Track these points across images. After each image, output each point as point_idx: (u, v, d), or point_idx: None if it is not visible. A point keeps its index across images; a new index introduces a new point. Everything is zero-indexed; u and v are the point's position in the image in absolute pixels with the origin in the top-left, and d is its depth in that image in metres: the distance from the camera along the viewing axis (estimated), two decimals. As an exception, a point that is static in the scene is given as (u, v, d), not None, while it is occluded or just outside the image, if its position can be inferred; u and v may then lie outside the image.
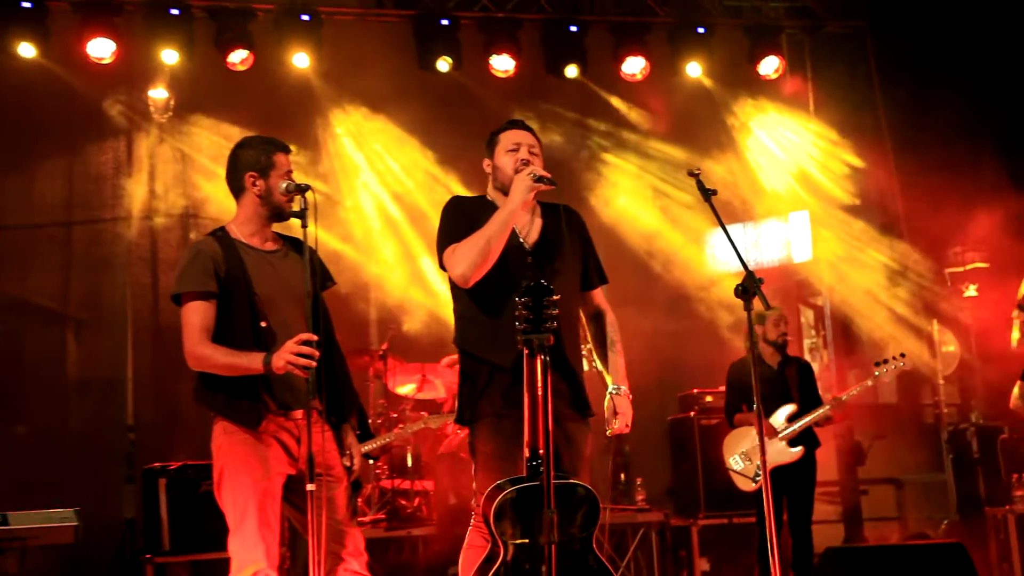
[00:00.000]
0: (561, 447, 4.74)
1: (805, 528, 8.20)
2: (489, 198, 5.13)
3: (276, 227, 5.01)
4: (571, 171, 10.90)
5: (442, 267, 5.00)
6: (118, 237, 10.39)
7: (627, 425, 4.99)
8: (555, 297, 4.45)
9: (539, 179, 4.83)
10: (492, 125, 10.37)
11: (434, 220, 9.91)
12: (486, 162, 5.17)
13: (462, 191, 9.37)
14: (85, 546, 7.68)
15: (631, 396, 5.03)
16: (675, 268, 11.15)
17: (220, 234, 4.94)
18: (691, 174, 5.50)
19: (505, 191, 4.97)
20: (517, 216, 4.87)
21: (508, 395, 4.81)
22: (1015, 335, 8.60)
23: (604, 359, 5.13)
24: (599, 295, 5.20)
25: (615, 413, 4.98)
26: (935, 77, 13.21)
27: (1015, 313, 8.61)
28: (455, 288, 5.01)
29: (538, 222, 5.08)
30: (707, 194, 5.41)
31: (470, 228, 4.89)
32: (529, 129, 5.21)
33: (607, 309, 5.20)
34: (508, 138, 5.11)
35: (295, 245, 4.89)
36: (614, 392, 5.02)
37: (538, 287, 4.45)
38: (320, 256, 4.98)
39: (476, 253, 4.79)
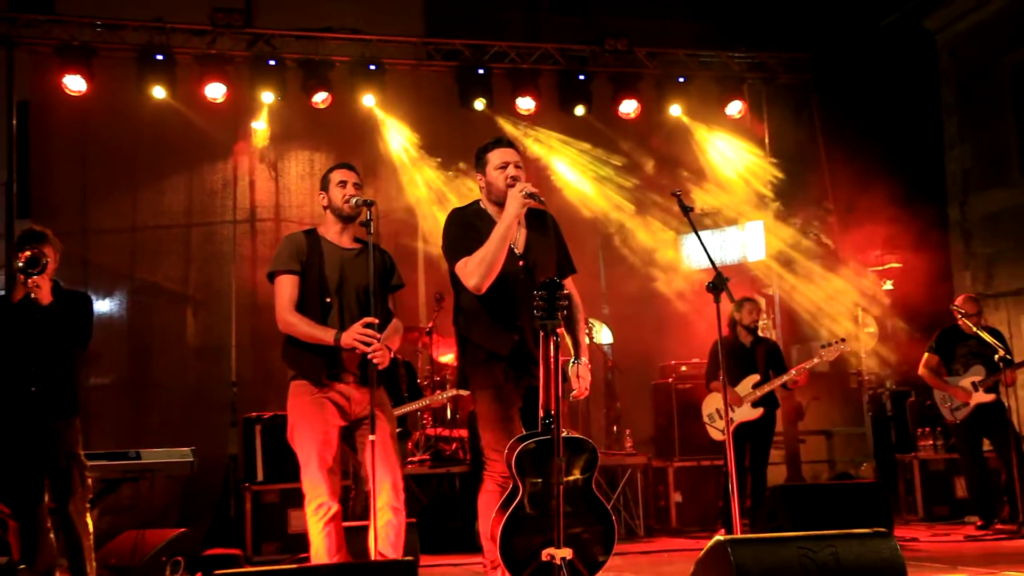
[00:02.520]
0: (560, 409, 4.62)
1: (762, 470, 8.19)
2: (483, 206, 4.89)
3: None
4: (576, 189, 10.86)
5: (452, 272, 4.77)
6: (226, 237, 10.40)
7: (586, 389, 4.82)
8: (565, 291, 4.40)
9: (530, 195, 4.62)
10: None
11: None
12: (479, 177, 4.91)
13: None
14: (199, 476, 7.64)
15: (590, 366, 4.86)
16: (657, 266, 11.09)
17: (309, 231, 4.99)
18: (673, 194, 5.47)
19: (499, 203, 4.76)
20: (513, 229, 4.65)
21: (506, 372, 4.71)
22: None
23: (572, 333, 4.94)
24: (569, 283, 4.95)
25: (577, 378, 4.80)
26: (864, 119, 13.16)
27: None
28: (457, 283, 4.80)
29: (523, 230, 4.87)
30: (686, 210, 5.39)
31: (473, 235, 4.70)
32: (513, 146, 4.95)
33: (574, 293, 4.99)
34: (497, 156, 4.82)
35: (376, 248, 4.80)
36: (577, 363, 4.83)
37: (551, 283, 4.39)
38: (392, 259, 5.04)
39: (485, 267, 4.60)
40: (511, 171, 4.76)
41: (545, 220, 4.91)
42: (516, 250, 4.79)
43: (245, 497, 8.26)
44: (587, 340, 5.08)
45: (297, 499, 8.02)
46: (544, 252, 4.88)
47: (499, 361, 4.73)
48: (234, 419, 9.61)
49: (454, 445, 8.98)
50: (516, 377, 4.70)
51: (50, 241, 5.29)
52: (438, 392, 8.66)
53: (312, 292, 4.80)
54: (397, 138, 10.56)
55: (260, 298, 10.28)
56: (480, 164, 4.89)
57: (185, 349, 10.32)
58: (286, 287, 4.81)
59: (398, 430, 5.50)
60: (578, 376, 4.81)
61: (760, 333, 8.57)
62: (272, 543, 8.12)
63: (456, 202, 10.42)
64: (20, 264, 5.14)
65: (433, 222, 10.49)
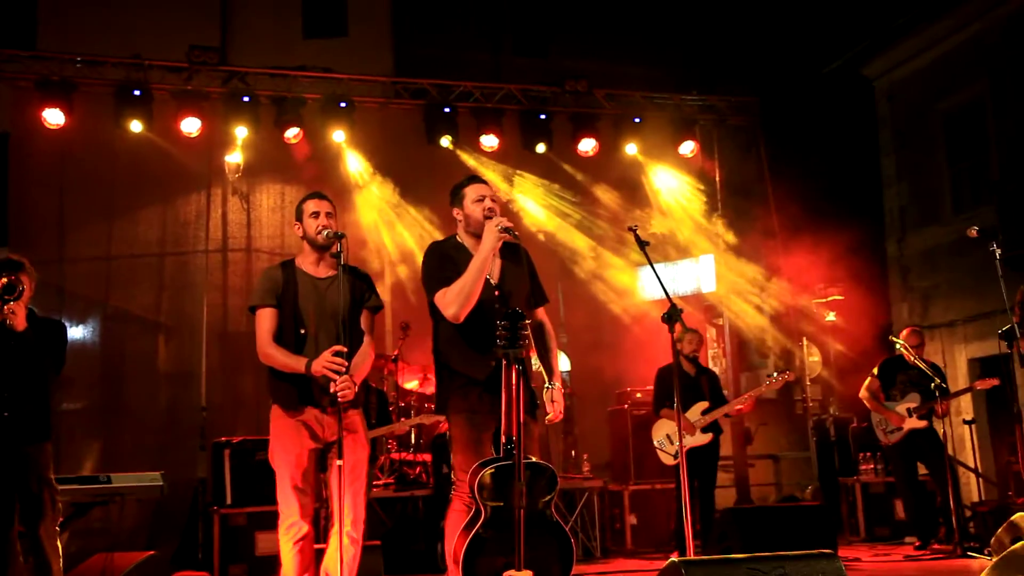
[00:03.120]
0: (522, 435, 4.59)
1: (710, 493, 8.18)
2: (459, 239, 4.91)
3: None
4: (536, 221, 10.88)
5: (431, 303, 4.77)
6: (198, 266, 10.31)
7: (560, 413, 4.82)
8: (527, 321, 4.40)
9: (505, 229, 4.64)
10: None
11: (417, 253, 9.95)
12: (455, 211, 4.91)
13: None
14: (168, 499, 7.55)
15: (563, 390, 4.90)
16: (614, 297, 11.12)
17: (287, 263, 4.97)
18: (630, 229, 5.46)
19: (476, 235, 4.78)
20: (489, 261, 4.67)
21: (480, 398, 4.70)
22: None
23: (544, 360, 4.96)
24: (541, 312, 5.02)
25: (551, 403, 4.81)
26: (808, 158, 13.32)
27: None
28: (436, 313, 4.79)
29: (499, 261, 4.88)
30: (642, 244, 5.39)
31: (451, 267, 4.71)
32: (486, 183, 4.98)
33: (546, 321, 5.04)
34: (473, 191, 4.85)
35: (353, 273, 4.82)
36: (551, 387, 4.84)
37: (514, 314, 4.40)
38: (370, 280, 5.02)
39: (463, 297, 4.61)
40: (487, 203, 4.79)
41: (518, 252, 4.92)
42: (492, 280, 4.79)
43: (213, 520, 8.12)
44: (557, 365, 5.00)
45: (264, 522, 7.95)
46: (518, 282, 4.89)
47: (475, 386, 4.71)
48: (203, 443, 9.49)
49: (418, 469, 8.91)
50: (492, 402, 4.65)
51: (26, 269, 5.20)
52: (403, 419, 8.61)
53: (288, 325, 4.78)
54: (365, 173, 10.52)
55: (230, 326, 10.22)
56: (456, 199, 4.89)
57: (156, 375, 10.20)
58: (264, 320, 4.79)
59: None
60: (552, 400, 4.81)
61: (710, 362, 8.60)
62: (239, 565, 7.97)
63: (422, 234, 10.45)
64: (-5, 291, 5.05)
65: (399, 254, 10.46)
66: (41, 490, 5.24)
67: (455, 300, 4.63)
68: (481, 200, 4.80)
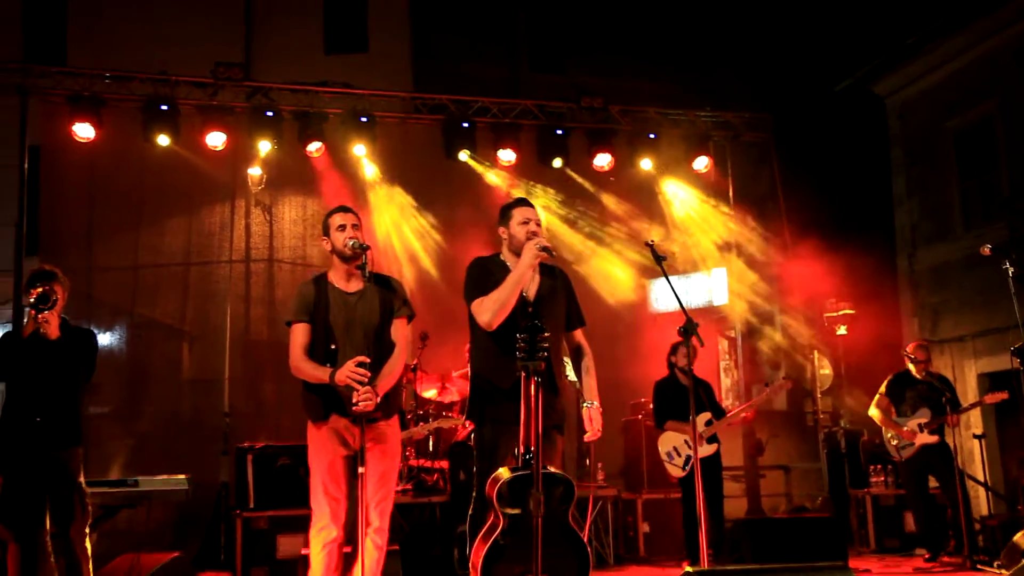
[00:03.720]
0: (544, 446, 4.65)
1: (718, 504, 8.16)
2: (502, 258, 5.08)
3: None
4: (553, 234, 10.89)
5: (470, 312, 4.94)
6: (222, 276, 10.35)
7: (598, 431, 4.96)
8: (546, 334, 4.45)
9: (543, 249, 4.81)
10: (495, 199, 10.46)
11: (434, 271, 9.97)
12: (501, 230, 5.09)
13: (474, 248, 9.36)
14: (193, 502, 7.58)
15: (601, 409, 4.98)
16: (627, 309, 11.12)
17: (319, 278, 5.00)
18: (647, 244, 5.52)
19: (517, 253, 4.94)
20: (526, 277, 4.85)
21: (506, 408, 4.77)
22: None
23: (581, 381, 5.10)
24: (579, 334, 5.17)
25: (590, 421, 4.94)
26: (820, 175, 13.33)
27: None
28: (472, 322, 4.97)
29: (537, 279, 5.04)
30: (659, 259, 5.43)
31: (490, 280, 4.88)
32: (533, 205, 5.16)
33: (584, 343, 5.18)
34: (520, 213, 5.04)
35: (382, 283, 4.86)
36: (588, 406, 4.99)
37: (533, 327, 4.45)
38: (401, 287, 5.05)
39: (498, 306, 4.80)
40: (532, 227, 4.98)
41: (556, 275, 5.12)
42: (528, 297, 4.95)
43: (236, 523, 8.17)
44: (595, 385, 5.11)
45: (286, 526, 8.01)
46: (554, 303, 5.03)
47: (500, 394, 4.83)
48: (226, 448, 9.54)
49: (435, 476, 8.92)
50: (515, 411, 4.67)
51: (59, 279, 5.27)
52: (421, 424, 8.63)
53: (319, 339, 4.83)
54: (386, 186, 10.57)
55: (252, 335, 10.28)
56: (504, 219, 5.07)
57: (181, 381, 10.24)
58: (297, 335, 4.85)
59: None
60: (590, 419, 4.96)
61: (721, 374, 8.60)
62: (261, 567, 8.03)
63: (442, 247, 10.48)
64: (31, 300, 5.13)
65: (419, 266, 10.50)
66: (72, 493, 5.30)
67: (490, 308, 4.82)
68: (526, 223, 4.99)
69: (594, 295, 10.95)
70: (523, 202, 5.17)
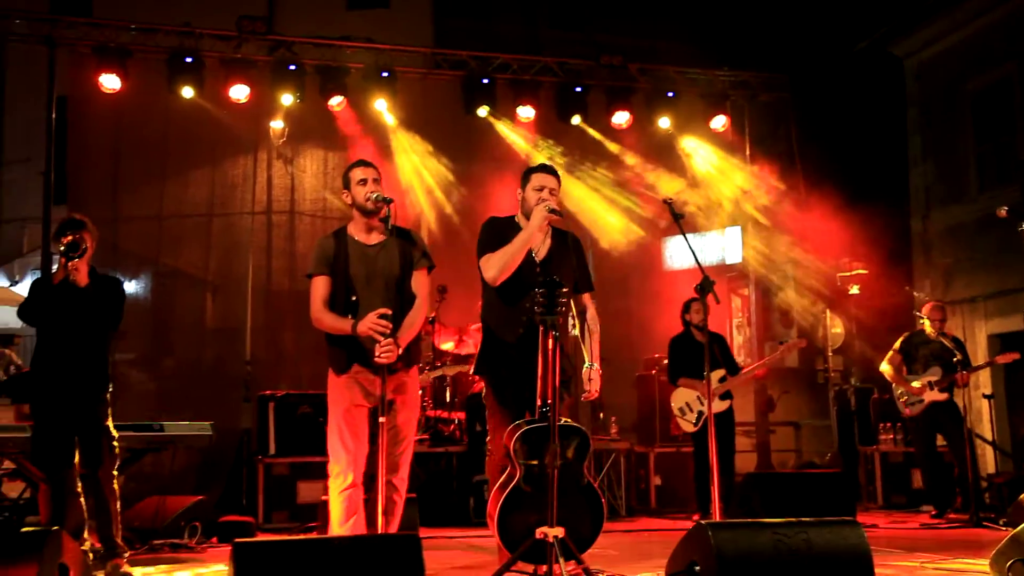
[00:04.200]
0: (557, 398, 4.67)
1: (730, 459, 8.19)
2: (517, 220, 5.11)
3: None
4: (569, 191, 10.84)
5: (480, 267, 5.00)
6: (244, 227, 10.38)
7: (596, 391, 5.02)
8: (564, 289, 4.45)
9: (552, 211, 4.87)
10: (514, 155, 10.40)
11: (456, 218, 9.93)
12: (518, 192, 5.12)
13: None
14: (215, 448, 7.65)
15: (600, 371, 5.02)
16: (642, 266, 11.11)
17: (339, 232, 4.98)
18: (665, 201, 5.50)
19: (528, 217, 4.98)
20: (534, 237, 4.91)
21: (513, 362, 4.91)
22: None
23: (585, 343, 5.11)
24: (587, 298, 5.16)
25: (588, 382, 4.99)
26: (836, 135, 13.19)
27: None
28: (483, 279, 5.02)
29: (548, 242, 5.11)
30: (677, 217, 5.41)
31: (500, 242, 4.94)
32: (553, 172, 5.15)
33: (591, 307, 5.17)
34: (537, 179, 5.07)
35: (403, 236, 4.82)
36: (589, 367, 5.00)
37: (551, 282, 4.45)
38: (420, 240, 5.01)
39: (503, 263, 4.89)
40: (545, 194, 5.00)
41: (567, 240, 5.13)
42: (536, 258, 5.03)
43: (258, 468, 8.26)
44: (598, 348, 5.13)
45: (306, 472, 8.11)
46: (562, 266, 5.04)
47: (505, 347, 4.94)
48: (247, 395, 9.61)
49: (452, 426, 8.99)
50: (520, 365, 4.84)
51: (88, 228, 5.29)
52: (426, 370, 8.68)
53: (339, 291, 4.81)
54: (405, 140, 10.53)
55: (273, 285, 10.32)
56: (524, 181, 5.11)
57: (204, 330, 10.32)
58: (317, 288, 4.84)
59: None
60: (589, 379, 4.99)
61: (734, 331, 8.59)
62: (282, 512, 8.14)
63: (461, 202, 10.46)
64: (61, 248, 5.15)
65: (438, 219, 10.49)
66: (100, 436, 5.35)
67: (495, 264, 4.90)
68: (540, 190, 5.02)
69: (609, 252, 10.94)
70: (543, 168, 5.18)
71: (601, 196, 10.99)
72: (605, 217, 10.97)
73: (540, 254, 5.06)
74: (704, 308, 8.32)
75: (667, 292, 10.64)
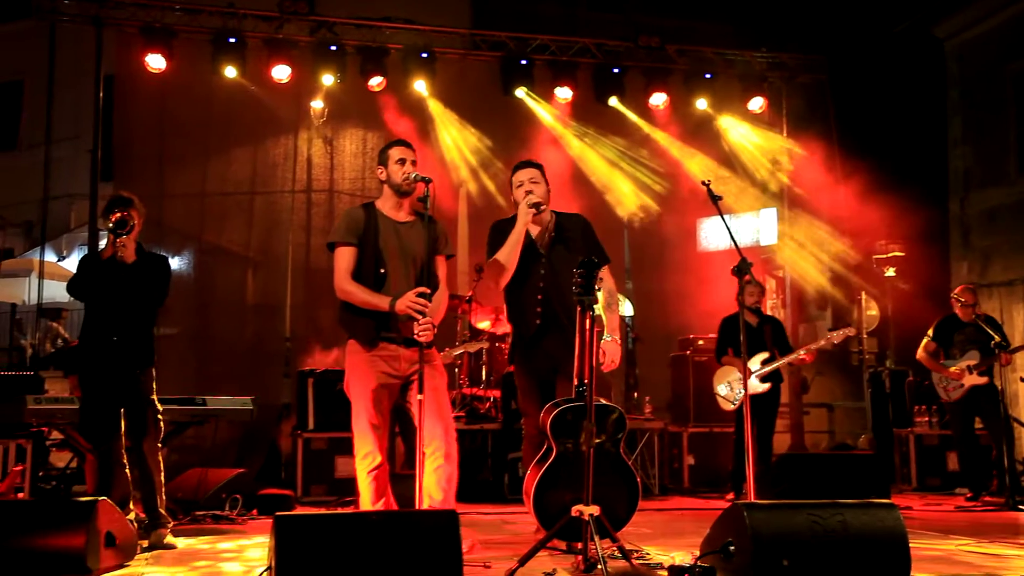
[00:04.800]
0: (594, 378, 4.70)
1: (767, 440, 8.14)
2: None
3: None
4: (605, 172, 10.75)
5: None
6: (285, 206, 10.39)
7: (614, 362, 5.12)
8: (603, 266, 4.46)
9: (532, 205, 5.04)
10: (551, 135, 10.34)
11: (492, 201, 9.87)
12: (512, 192, 5.30)
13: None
14: (254, 422, 7.70)
15: (619, 343, 5.13)
16: (677, 247, 11.03)
17: (368, 205, 4.99)
18: (703, 183, 5.46)
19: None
20: (532, 228, 5.13)
21: (529, 354, 5.18)
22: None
23: (604, 314, 5.20)
24: (603, 272, 5.05)
25: (603, 354, 5.07)
26: (875, 117, 13.00)
27: None
28: None
29: (551, 232, 5.25)
30: (715, 199, 5.38)
31: (500, 242, 5.13)
32: (531, 165, 5.30)
33: (608, 279, 5.23)
34: (518, 176, 5.26)
35: (428, 220, 4.78)
36: (608, 339, 5.09)
37: (590, 262, 4.43)
38: (443, 228, 5.04)
39: (499, 268, 5.10)
40: (525, 187, 5.17)
41: (572, 222, 5.29)
42: (541, 248, 5.20)
43: (297, 443, 8.33)
44: (616, 320, 5.26)
45: (344, 447, 8.11)
46: (570, 248, 5.19)
47: (524, 340, 5.21)
48: (287, 371, 9.70)
49: (487, 404, 9.00)
50: (538, 354, 5.12)
51: (136, 206, 5.33)
52: (447, 348, 8.69)
53: (368, 263, 4.80)
54: (444, 121, 10.51)
55: (312, 263, 10.35)
56: (512, 182, 5.28)
57: (244, 306, 10.37)
58: (343, 258, 4.81)
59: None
60: (604, 352, 5.07)
61: (768, 312, 8.52)
62: (320, 486, 8.20)
63: (498, 182, 10.41)
64: (110, 225, 5.20)
65: (474, 200, 10.47)
66: (145, 409, 5.41)
67: (492, 272, 5.14)
68: (520, 186, 5.19)
69: (643, 233, 10.88)
70: (521, 165, 5.32)
71: (636, 177, 10.89)
72: (640, 198, 10.88)
73: (544, 244, 5.20)
74: (744, 290, 8.26)
75: (702, 273, 10.57)
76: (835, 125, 11.31)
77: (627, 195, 10.84)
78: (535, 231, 5.17)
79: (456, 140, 10.53)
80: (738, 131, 11.21)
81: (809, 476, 6.94)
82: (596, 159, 10.84)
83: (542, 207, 5.07)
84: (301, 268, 10.29)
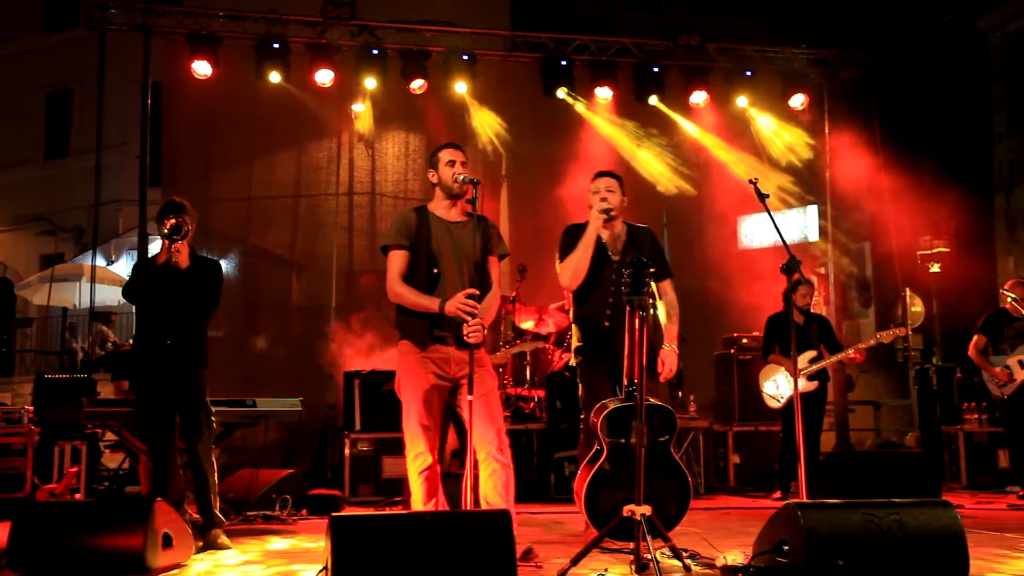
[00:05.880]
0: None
1: (814, 439, 8.04)
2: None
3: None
4: (646, 170, 10.68)
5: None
6: (328, 208, 10.46)
7: (671, 371, 5.23)
8: (651, 270, 4.42)
9: (603, 211, 5.19)
10: (592, 135, 10.32)
11: (533, 202, 9.81)
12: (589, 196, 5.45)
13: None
14: (301, 423, 7.75)
15: (677, 352, 5.25)
16: (717, 246, 10.94)
17: (420, 208, 4.98)
18: (751, 182, 5.41)
19: None
20: (604, 233, 5.26)
21: (592, 350, 5.26)
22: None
23: (663, 326, 5.36)
24: (666, 284, 5.38)
25: (662, 363, 5.20)
26: (918, 112, 12.83)
27: None
28: None
29: (623, 239, 5.37)
30: (762, 196, 5.32)
31: (572, 246, 5.26)
32: (610, 175, 5.45)
33: (669, 292, 5.39)
34: (595, 185, 5.39)
35: (480, 220, 4.79)
36: (666, 348, 5.22)
37: (639, 262, 4.41)
38: (496, 228, 5.03)
39: (570, 272, 5.24)
40: (601, 195, 5.32)
41: (641, 235, 5.44)
42: (613, 256, 5.32)
43: (344, 443, 8.37)
44: (676, 332, 5.34)
45: (390, 448, 8.18)
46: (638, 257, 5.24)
47: (587, 344, 5.28)
48: (332, 373, 9.73)
49: (532, 404, 8.99)
50: (602, 354, 5.19)
51: (189, 211, 5.38)
52: (503, 348, 8.68)
53: (421, 264, 4.78)
54: (485, 122, 10.51)
55: (356, 264, 10.40)
56: (590, 192, 5.44)
57: (289, 308, 10.47)
58: (396, 261, 4.80)
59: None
60: (662, 361, 5.19)
61: (812, 310, 8.42)
62: (367, 486, 8.24)
63: (540, 184, 10.39)
64: (165, 231, 5.25)
65: (517, 201, 10.46)
66: (199, 411, 5.46)
67: (564, 273, 5.28)
68: (597, 192, 5.34)
69: (684, 231, 10.82)
70: (600, 174, 5.48)
71: (676, 175, 10.82)
72: (680, 196, 10.81)
73: (616, 251, 5.32)
74: (811, 289, 8.23)
75: (743, 271, 10.51)
76: (877, 121, 11.16)
77: (667, 193, 10.76)
78: (607, 236, 5.31)
79: (496, 141, 10.52)
80: (779, 128, 11.10)
81: (857, 475, 6.85)
82: (636, 157, 10.78)
83: (613, 214, 5.23)
84: (345, 269, 10.36)
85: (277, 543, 5.76)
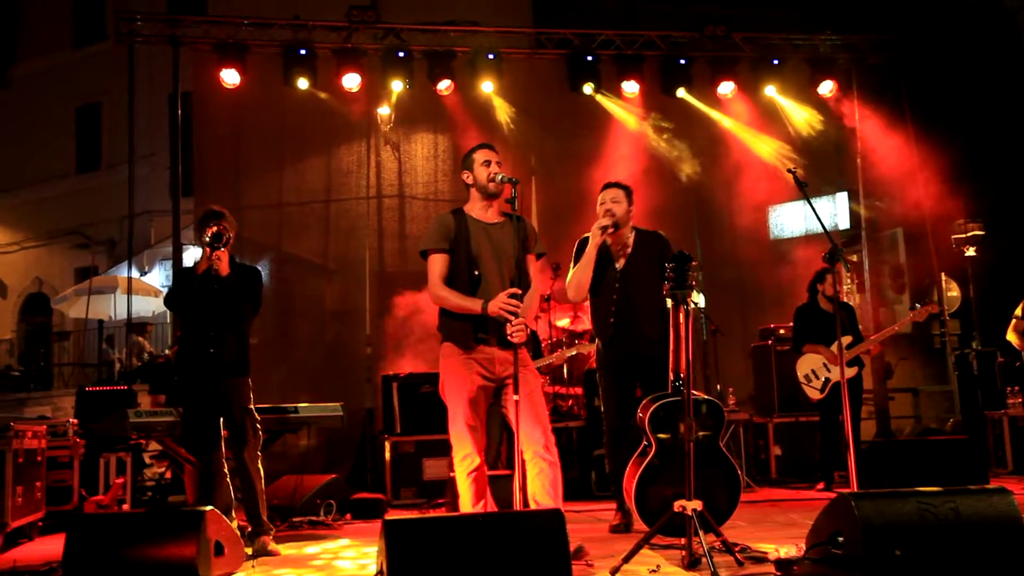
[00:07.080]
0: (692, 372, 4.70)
1: (855, 427, 7.95)
2: None
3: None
4: (674, 162, 10.61)
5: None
6: (359, 212, 10.44)
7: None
8: (695, 263, 4.40)
9: (602, 228, 5.47)
10: (621, 131, 10.27)
11: (564, 199, 9.77)
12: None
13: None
14: (340, 427, 7.77)
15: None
16: (747, 236, 10.85)
17: (457, 211, 4.97)
18: (789, 171, 5.40)
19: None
20: (611, 243, 5.58)
21: (607, 355, 5.65)
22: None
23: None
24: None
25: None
26: (948, 94, 12.67)
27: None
28: None
29: (628, 251, 5.68)
30: (801, 185, 5.31)
31: (578, 259, 5.64)
32: (616, 186, 5.73)
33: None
34: (601, 196, 5.69)
35: (517, 219, 4.77)
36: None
37: (681, 256, 4.40)
38: (532, 227, 5.03)
39: (573, 286, 5.63)
40: (607, 206, 5.62)
41: (652, 240, 5.68)
42: (616, 264, 5.63)
43: (385, 446, 8.39)
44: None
45: (431, 450, 8.19)
46: (644, 265, 5.61)
47: (604, 348, 5.71)
48: (368, 376, 9.76)
49: (570, 402, 8.98)
50: (615, 359, 5.58)
51: (228, 219, 5.43)
52: (559, 350, 8.66)
53: (461, 267, 4.79)
54: (513, 121, 10.49)
55: (388, 268, 10.41)
56: (599, 201, 5.72)
57: (323, 314, 10.45)
58: (436, 264, 4.81)
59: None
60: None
61: (844, 297, 8.39)
62: (409, 488, 8.25)
63: (569, 181, 10.35)
64: (207, 239, 5.29)
65: (547, 199, 10.43)
66: (244, 419, 5.50)
67: (568, 288, 5.65)
68: (603, 204, 5.65)
69: (715, 222, 10.75)
70: (607, 185, 5.74)
71: (706, 166, 10.75)
72: (710, 186, 10.74)
73: (622, 258, 5.61)
74: (836, 277, 8.14)
75: (774, 261, 10.44)
76: (907, 105, 11.05)
77: (697, 184, 10.69)
78: (612, 245, 5.56)
79: (525, 140, 10.50)
80: (808, 115, 11.01)
81: (901, 463, 6.77)
82: (666, 150, 10.72)
83: (609, 229, 5.45)
84: (377, 273, 10.35)
85: (326, 545, 5.78)
